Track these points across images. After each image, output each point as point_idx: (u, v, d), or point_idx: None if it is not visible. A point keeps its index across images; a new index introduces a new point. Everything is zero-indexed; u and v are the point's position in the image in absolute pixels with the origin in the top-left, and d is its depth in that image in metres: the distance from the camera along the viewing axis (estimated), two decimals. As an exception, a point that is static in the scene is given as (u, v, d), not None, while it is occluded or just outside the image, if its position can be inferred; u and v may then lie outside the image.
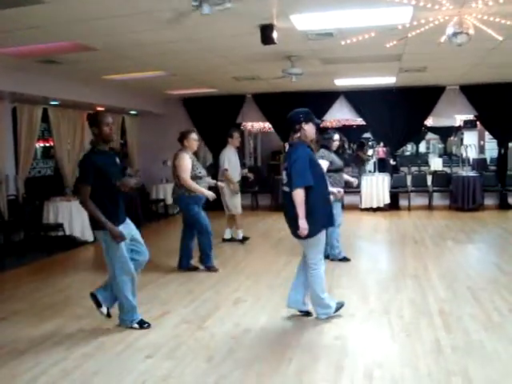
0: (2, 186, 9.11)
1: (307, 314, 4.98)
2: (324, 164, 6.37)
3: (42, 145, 11.46)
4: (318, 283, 4.75)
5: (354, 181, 7.60)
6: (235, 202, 8.66)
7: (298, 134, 4.62)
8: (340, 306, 4.98)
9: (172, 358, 4.12)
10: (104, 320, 4.97)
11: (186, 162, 6.62)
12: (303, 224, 4.45)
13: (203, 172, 6.87)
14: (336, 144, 7.09)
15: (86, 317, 5.10)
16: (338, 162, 7.02)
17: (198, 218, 6.79)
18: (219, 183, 7.66)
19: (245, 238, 8.92)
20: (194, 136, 6.83)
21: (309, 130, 4.64)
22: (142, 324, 4.83)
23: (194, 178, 6.65)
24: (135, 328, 4.77)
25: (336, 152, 7.12)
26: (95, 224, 4.58)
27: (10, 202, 9.21)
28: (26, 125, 9.72)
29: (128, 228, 4.76)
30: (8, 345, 4.50)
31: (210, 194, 6.70)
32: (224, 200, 8.62)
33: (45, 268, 7.41)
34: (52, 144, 11.07)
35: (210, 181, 7.37)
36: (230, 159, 8.56)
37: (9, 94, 8.78)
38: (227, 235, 9.04)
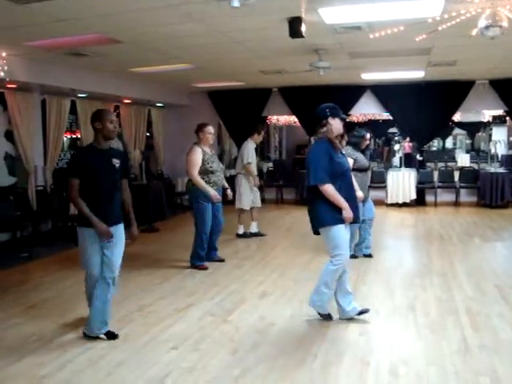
0: (30, 176, 9.25)
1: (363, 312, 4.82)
2: (349, 162, 6.29)
3: (69, 136, 11.58)
4: (325, 277, 4.61)
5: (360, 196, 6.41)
6: (247, 198, 8.68)
7: (325, 129, 4.58)
8: (364, 311, 4.80)
9: (197, 350, 4.14)
10: (129, 311, 5.02)
11: (196, 156, 6.59)
12: (346, 213, 4.43)
13: (216, 166, 6.75)
14: (366, 143, 7.01)
15: (111, 307, 5.15)
16: (363, 160, 6.87)
17: (201, 214, 6.71)
18: (228, 191, 7.30)
19: (243, 235, 8.92)
20: (209, 129, 6.77)
21: (335, 124, 4.59)
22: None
23: (206, 172, 6.61)
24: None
25: (362, 151, 6.98)
26: (80, 220, 4.37)
27: (38, 192, 9.34)
28: (55, 116, 9.85)
29: (114, 232, 4.40)
30: (36, 332, 4.58)
31: (214, 194, 6.56)
32: (239, 193, 8.67)
33: (72, 258, 7.49)
34: (79, 136, 11.19)
35: (224, 183, 7.13)
36: (252, 153, 8.61)
37: (38, 86, 8.89)
38: (253, 229, 9.04)
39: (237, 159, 9.20)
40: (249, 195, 8.71)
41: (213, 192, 6.57)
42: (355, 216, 4.60)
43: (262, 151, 15.24)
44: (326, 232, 4.55)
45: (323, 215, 4.51)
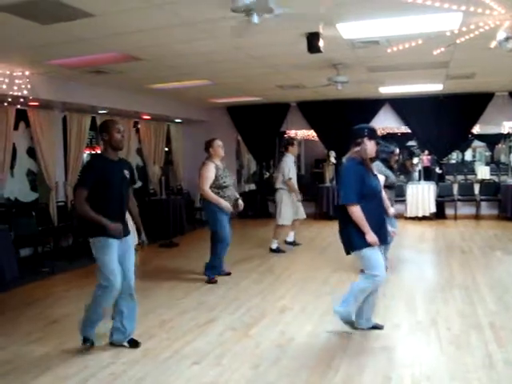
0: (52, 192, 9.37)
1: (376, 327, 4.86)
2: (381, 179, 6.21)
3: (89, 152, 11.73)
4: (357, 288, 4.64)
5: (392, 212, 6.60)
6: (288, 213, 8.64)
7: (359, 148, 4.58)
8: (377, 327, 4.84)
9: (218, 365, 4.14)
10: (150, 327, 5.04)
11: (209, 172, 6.67)
12: (370, 238, 4.40)
13: (228, 181, 6.84)
14: (396, 159, 6.93)
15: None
16: (392, 177, 6.80)
17: (218, 226, 6.78)
18: (240, 201, 7.27)
19: (276, 250, 8.83)
20: (218, 142, 6.85)
21: (370, 146, 4.59)
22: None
23: (219, 187, 6.69)
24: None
25: (391, 167, 6.88)
26: (91, 231, 4.39)
27: (59, 208, 9.46)
28: (76, 133, 9.99)
29: (124, 244, 4.52)
30: (58, 347, 4.62)
31: (226, 206, 6.68)
32: (279, 208, 8.68)
33: (93, 274, 7.53)
34: (99, 152, 11.32)
35: (236, 194, 7.28)
36: (291, 168, 8.61)
37: (60, 103, 9.04)
38: (290, 238, 9.20)
39: (274, 174, 9.18)
40: (290, 211, 8.67)
41: (225, 203, 6.67)
42: (383, 239, 4.61)
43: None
44: (359, 255, 4.58)
45: (354, 238, 4.51)
